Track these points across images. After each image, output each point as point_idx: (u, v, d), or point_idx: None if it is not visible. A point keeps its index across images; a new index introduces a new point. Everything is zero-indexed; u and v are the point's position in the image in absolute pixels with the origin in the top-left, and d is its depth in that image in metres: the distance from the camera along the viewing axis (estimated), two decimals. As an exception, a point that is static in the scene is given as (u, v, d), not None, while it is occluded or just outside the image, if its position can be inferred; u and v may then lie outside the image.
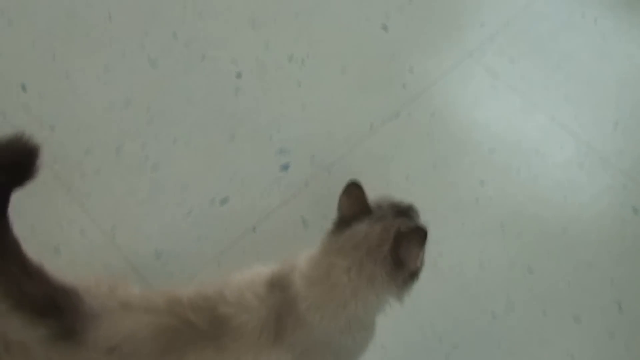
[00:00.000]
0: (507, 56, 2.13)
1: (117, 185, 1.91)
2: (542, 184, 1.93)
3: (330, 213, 1.38)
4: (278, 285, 1.33)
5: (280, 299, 1.31)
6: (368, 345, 1.40)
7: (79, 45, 2.12)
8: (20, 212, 1.86)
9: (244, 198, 1.89)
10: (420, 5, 2.21)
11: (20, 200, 1.90)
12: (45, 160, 1.93)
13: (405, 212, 1.39)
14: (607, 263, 1.82)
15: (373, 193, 1.86)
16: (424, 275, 1.78)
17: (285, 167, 1.94)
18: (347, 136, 2.00)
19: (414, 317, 1.73)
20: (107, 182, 1.91)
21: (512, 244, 1.85)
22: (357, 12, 2.18)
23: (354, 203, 1.34)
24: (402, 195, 1.88)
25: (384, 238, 1.30)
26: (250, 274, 1.37)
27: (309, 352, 1.33)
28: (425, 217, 1.87)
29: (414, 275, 1.35)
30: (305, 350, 1.32)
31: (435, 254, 1.80)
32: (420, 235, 1.29)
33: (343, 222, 1.33)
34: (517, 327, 1.74)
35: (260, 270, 1.38)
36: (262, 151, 1.97)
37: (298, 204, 1.88)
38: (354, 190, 1.36)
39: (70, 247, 1.81)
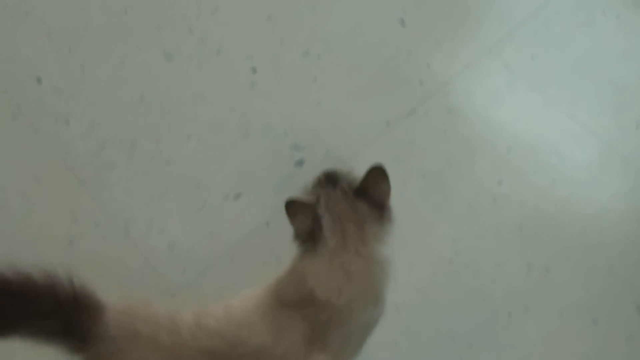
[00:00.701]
0: (527, 53, 2.08)
1: (131, 179, 1.90)
2: (561, 185, 1.88)
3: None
4: (291, 300, 1.32)
5: (306, 311, 1.31)
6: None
7: (95, 40, 2.11)
8: (34, 204, 1.88)
9: (257, 193, 1.87)
10: (439, 0, 2.18)
11: (35, 193, 1.92)
12: (59, 154, 1.95)
13: (334, 177, 1.40)
14: (626, 266, 1.77)
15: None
16: (439, 272, 1.80)
17: (299, 163, 1.91)
18: (362, 133, 1.96)
19: (428, 315, 1.70)
20: (121, 176, 1.90)
21: (529, 244, 1.80)
22: (375, 6, 2.14)
23: (302, 216, 1.35)
24: (418, 194, 1.88)
25: (350, 205, 1.33)
26: (247, 300, 1.38)
27: (345, 342, 1.34)
28: (441, 215, 1.87)
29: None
30: (342, 343, 1.33)
31: (451, 253, 1.78)
32: (377, 172, 1.36)
33: (309, 237, 1.34)
34: (533, 328, 1.70)
35: (254, 294, 1.39)
36: (277, 147, 1.94)
37: (312, 200, 1.85)
38: (292, 208, 1.35)
39: (84, 239, 1.81)
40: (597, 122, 1.97)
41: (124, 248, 1.79)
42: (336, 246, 1.31)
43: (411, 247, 1.76)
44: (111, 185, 1.89)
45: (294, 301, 1.33)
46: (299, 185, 1.88)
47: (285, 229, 1.84)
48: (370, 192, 1.35)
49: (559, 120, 1.98)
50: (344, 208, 1.33)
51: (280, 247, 1.81)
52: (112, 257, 1.78)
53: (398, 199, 1.85)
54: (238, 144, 1.95)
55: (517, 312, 1.72)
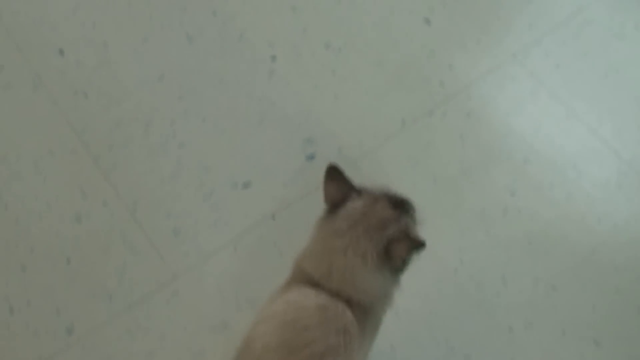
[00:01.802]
0: (553, 61, 2.01)
1: (143, 160, 1.88)
2: (576, 201, 1.83)
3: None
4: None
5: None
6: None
7: (120, 17, 2.09)
8: (46, 177, 1.87)
9: (266, 184, 1.84)
10: (467, 0, 2.12)
11: (47, 166, 1.90)
12: (76, 128, 1.94)
13: (401, 205, 1.33)
14: (634, 289, 1.72)
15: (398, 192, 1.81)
16: (443, 280, 1.74)
17: (310, 157, 1.87)
18: (377, 131, 1.92)
19: (427, 322, 1.67)
20: (133, 155, 1.88)
21: (537, 260, 1.75)
22: (401, 3, 2.09)
23: (340, 186, 1.31)
24: (427, 198, 1.83)
25: (385, 223, 1.27)
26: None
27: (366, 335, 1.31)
28: (449, 222, 1.83)
29: (397, 269, 1.31)
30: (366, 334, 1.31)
31: (457, 262, 1.73)
32: (417, 246, 1.28)
33: (333, 208, 1.30)
34: (534, 344, 1.65)
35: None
36: (289, 138, 1.90)
37: (320, 196, 1.79)
38: (336, 174, 1.31)
39: (92, 217, 1.79)
40: (619, 139, 1.91)
41: (130, 228, 1.77)
42: (339, 230, 1.27)
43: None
44: (123, 163, 1.87)
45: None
46: (307, 179, 1.87)
47: (291, 223, 1.84)
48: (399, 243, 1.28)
49: (580, 134, 1.92)
50: (375, 213, 1.28)
51: (284, 240, 1.80)
52: (117, 236, 1.76)
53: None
54: (251, 132, 1.92)
55: (519, 328, 1.67)
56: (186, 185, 1.84)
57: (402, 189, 1.74)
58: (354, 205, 1.28)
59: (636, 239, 1.78)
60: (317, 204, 1.79)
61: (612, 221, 1.81)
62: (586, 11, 2.08)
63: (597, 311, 1.70)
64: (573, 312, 1.70)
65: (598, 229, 1.80)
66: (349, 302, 1.25)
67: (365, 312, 1.27)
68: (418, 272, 1.71)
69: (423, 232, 1.72)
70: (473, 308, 1.69)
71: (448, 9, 2.09)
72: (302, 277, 1.29)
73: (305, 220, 1.81)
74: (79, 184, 1.84)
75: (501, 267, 1.74)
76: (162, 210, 1.81)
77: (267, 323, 1.25)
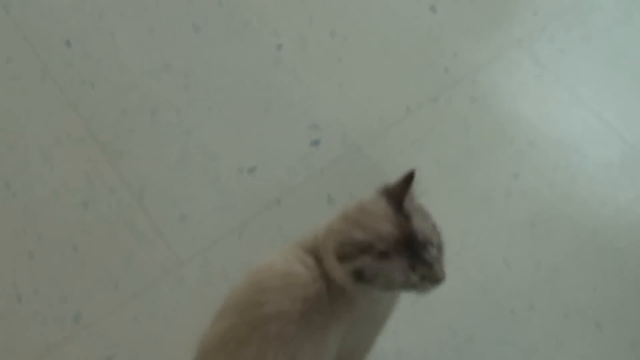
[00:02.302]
0: (558, 47, 2.07)
1: (149, 147, 1.94)
2: (579, 184, 1.89)
3: (357, 192, 1.34)
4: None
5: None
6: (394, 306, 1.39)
7: (126, 7, 2.16)
8: (54, 165, 1.94)
9: (271, 170, 1.90)
10: (473, -12, 2.18)
11: (55, 154, 1.97)
12: (82, 117, 2.01)
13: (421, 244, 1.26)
14: (637, 272, 1.77)
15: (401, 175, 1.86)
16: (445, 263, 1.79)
17: (315, 143, 1.93)
18: (381, 117, 1.98)
19: (429, 306, 1.67)
20: (140, 143, 1.94)
21: (540, 242, 1.80)
22: (406, -10, 2.16)
23: (401, 190, 1.28)
24: (431, 182, 1.88)
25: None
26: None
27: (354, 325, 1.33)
28: (452, 206, 1.88)
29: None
30: (351, 326, 1.32)
31: (459, 245, 1.78)
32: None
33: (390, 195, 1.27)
34: (535, 327, 1.70)
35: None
36: (294, 125, 1.97)
37: (325, 181, 1.87)
38: (409, 181, 1.30)
39: (98, 203, 1.85)
40: (623, 122, 1.96)
41: (137, 216, 1.83)
42: (347, 219, 1.27)
43: None
44: (129, 151, 1.93)
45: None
46: (313, 165, 1.93)
47: (295, 208, 1.90)
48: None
49: (584, 118, 1.98)
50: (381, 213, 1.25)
51: (290, 226, 1.86)
52: (124, 223, 1.82)
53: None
54: (257, 118, 1.98)
55: (521, 310, 1.72)
56: (192, 171, 1.90)
57: (405, 172, 1.79)
58: (378, 205, 1.25)
59: (637, 222, 1.83)
60: (322, 190, 1.87)
61: (615, 204, 1.86)
62: (592, -3, 2.14)
63: (599, 294, 1.75)
64: (575, 295, 1.75)
65: (601, 211, 1.85)
66: (333, 284, 1.25)
67: (349, 302, 1.27)
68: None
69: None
70: (475, 291, 1.75)
71: (454, -4, 2.15)
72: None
73: (310, 205, 1.88)
74: (86, 171, 1.89)
75: (503, 250, 1.80)
76: (168, 197, 1.87)
77: (241, 283, 1.29)
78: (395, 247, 1.20)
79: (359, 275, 1.20)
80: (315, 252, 1.28)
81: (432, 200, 1.85)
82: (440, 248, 1.26)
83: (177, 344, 1.62)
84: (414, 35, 2.11)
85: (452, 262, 1.77)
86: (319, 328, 1.26)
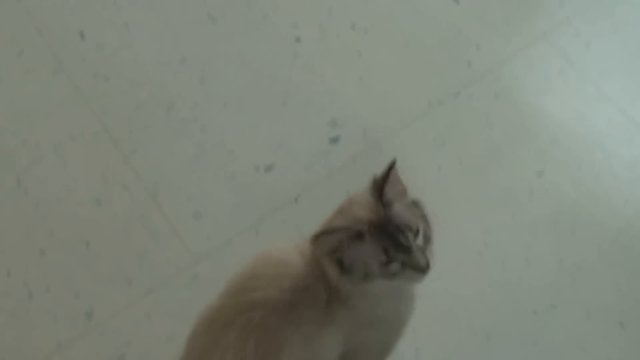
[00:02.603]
0: (583, 40, 2.06)
1: (164, 143, 1.94)
2: (604, 182, 1.88)
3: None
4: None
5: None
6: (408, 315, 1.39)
7: (140, -3, 2.17)
8: (66, 161, 1.94)
9: (289, 167, 1.90)
10: (496, -21, 2.16)
11: (68, 150, 1.97)
12: (96, 111, 2.01)
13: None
14: (663, 273, 1.77)
15: (423, 175, 1.86)
16: (465, 262, 1.79)
17: (334, 140, 1.93)
18: (402, 113, 1.97)
19: (449, 305, 1.72)
20: (154, 139, 1.94)
21: (563, 241, 1.80)
22: (429, -18, 2.14)
23: (382, 178, 1.29)
24: (452, 180, 1.89)
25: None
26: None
27: (356, 329, 1.33)
28: (474, 204, 1.87)
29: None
30: (352, 329, 1.32)
31: (481, 245, 1.78)
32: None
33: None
34: (557, 327, 1.70)
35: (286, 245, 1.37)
36: (313, 121, 1.96)
37: (344, 179, 1.86)
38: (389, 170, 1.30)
39: (112, 200, 1.85)
40: (650, 119, 1.96)
41: (151, 212, 1.83)
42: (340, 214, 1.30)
43: (439, 234, 1.75)
44: (144, 147, 1.92)
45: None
46: (331, 162, 1.92)
47: (314, 206, 1.87)
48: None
49: (609, 115, 1.96)
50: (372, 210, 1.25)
51: (308, 224, 1.83)
52: (138, 220, 1.82)
53: (432, 183, 1.87)
54: (274, 114, 1.98)
55: (542, 310, 1.72)
56: (208, 168, 1.90)
57: (427, 171, 1.79)
58: (363, 196, 1.28)
59: (663, 221, 1.83)
60: (341, 187, 1.85)
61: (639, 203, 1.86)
62: (619, -11, 2.12)
63: (622, 293, 1.75)
64: (598, 294, 1.75)
65: (625, 210, 1.84)
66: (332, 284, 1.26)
67: (347, 307, 1.28)
68: (441, 253, 1.77)
69: (448, 217, 1.78)
70: (496, 289, 1.75)
71: (478, -14, 2.13)
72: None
73: (328, 203, 1.86)
74: (100, 167, 1.89)
75: (525, 249, 1.79)
76: (183, 194, 1.86)
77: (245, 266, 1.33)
78: (370, 231, 1.21)
79: (341, 264, 1.22)
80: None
81: (452, 198, 1.87)
82: (427, 237, 1.27)
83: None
84: (436, 27, 2.10)
85: (474, 261, 1.81)
86: (311, 323, 1.27)
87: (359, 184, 1.87)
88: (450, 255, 1.75)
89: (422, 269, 1.22)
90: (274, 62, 2.05)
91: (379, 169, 1.86)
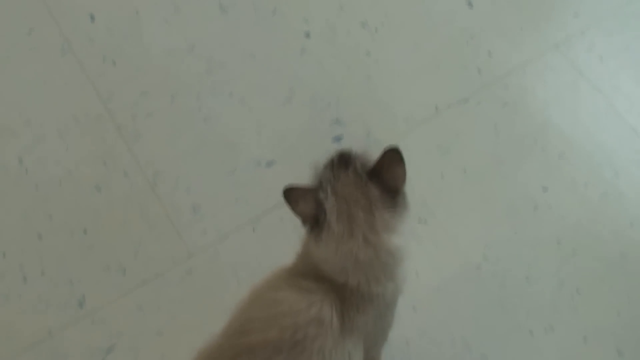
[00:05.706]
0: (597, 53, 1.90)
1: (166, 132, 1.82)
2: (610, 202, 1.73)
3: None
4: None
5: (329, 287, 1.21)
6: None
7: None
8: (69, 143, 1.81)
9: (290, 165, 1.77)
10: (514, -15, 2.01)
11: (71, 132, 1.84)
12: (102, 95, 1.87)
13: (347, 158, 1.24)
14: (665, 300, 1.63)
15: (426, 181, 1.72)
16: (464, 276, 1.66)
17: (337, 139, 1.79)
18: (408, 115, 1.83)
19: (445, 318, 1.59)
20: (157, 127, 1.82)
21: (564, 261, 1.66)
22: (443, -16, 1.99)
23: (306, 199, 1.22)
24: (455, 190, 1.74)
25: (360, 189, 1.18)
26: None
27: (374, 324, 1.25)
28: (476, 216, 1.73)
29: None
30: (370, 324, 1.24)
31: (481, 258, 1.65)
32: (392, 154, 1.18)
33: (315, 223, 1.21)
34: (553, 349, 1.56)
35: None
36: (317, 119, 1.83)
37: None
38: (291, 195, 1.24)
39: (111, 187, 1.74)
40: (660, 139, 1.80)
41: (149, 201, 1.72)
42: (342, 232, 1.18)
43: (438, 245, 1.65)
44: (146, 134, 1.81)
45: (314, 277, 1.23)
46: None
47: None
48: (384, 176, 1.19)
49: (620, 131, 1.82)
50: (352, 192, 1.19)
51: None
52: (136, 209, 1.71)
53: (434, 191, 1.73)
54: (279, 109, 1.85)
55: (539, 331, 1.58)
56: (208, 160, 1.78)
57: (430, 177, 1.64)
58: (332, 203, 1.20)
59: (669, 247, 1.69)
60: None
61: (646, 226, 1.72)
62: (634, 4, 1.96)
63: (622, 318, 1.61)
64: (597, 318, 1.61)
65: (629, 232, 1.70)
66: (350, 292, 1.19)
67: (363, 310, 1.21)
68: (439, 266, 1.64)
69: (449, 228, 1.65)
70: (494, 307, 1.61)
71: (492, -8, 1.99)
72: (310, 271, 1.23)
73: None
74: (101, 152, 1.79)
75: (526, 266, 1.66)
76: (182, 185, 1.75)
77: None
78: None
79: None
80: (314, 271, 1.22)
81: (454, 208, 1.72)
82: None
83: (179, 337, 1.55)
84: (448, 31, 1.95)
85: (472, 275, 1.67)
86: (323, 350, 1.17)
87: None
88: (448, 267, 1.64)
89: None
90: (282, 56, 1.92)
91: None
